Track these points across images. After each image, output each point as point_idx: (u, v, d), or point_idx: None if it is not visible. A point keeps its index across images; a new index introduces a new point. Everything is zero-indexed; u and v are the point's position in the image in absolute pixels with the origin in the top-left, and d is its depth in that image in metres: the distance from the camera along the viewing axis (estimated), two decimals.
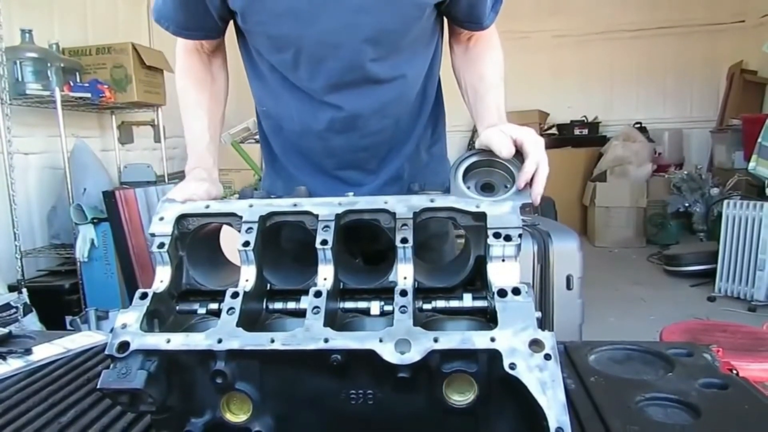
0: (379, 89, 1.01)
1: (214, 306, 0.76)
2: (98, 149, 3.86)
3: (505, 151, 0.81)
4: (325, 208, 0.77)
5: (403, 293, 0.68)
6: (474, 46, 1.10)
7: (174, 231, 0.78)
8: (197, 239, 0.81)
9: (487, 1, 1.02)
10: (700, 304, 3.94)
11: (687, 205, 5.14)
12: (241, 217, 0.77)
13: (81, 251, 3.15)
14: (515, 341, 0.61)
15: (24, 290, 2.96)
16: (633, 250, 5.49)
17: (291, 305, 0.77)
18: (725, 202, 4.14)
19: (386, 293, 0.73)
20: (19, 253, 3.10)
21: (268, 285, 0.79)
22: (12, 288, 3.00)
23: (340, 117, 1.02)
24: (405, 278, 0.72)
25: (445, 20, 1.10)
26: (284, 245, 0.95)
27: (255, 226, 0.76)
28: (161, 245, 0.76)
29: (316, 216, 0.76)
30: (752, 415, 0.74)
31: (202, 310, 0.77)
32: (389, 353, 0.60)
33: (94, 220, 3.15)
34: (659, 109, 6.52)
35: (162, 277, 0.76)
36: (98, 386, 0.63)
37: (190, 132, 1.03)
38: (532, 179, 0.80)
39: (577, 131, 6.38)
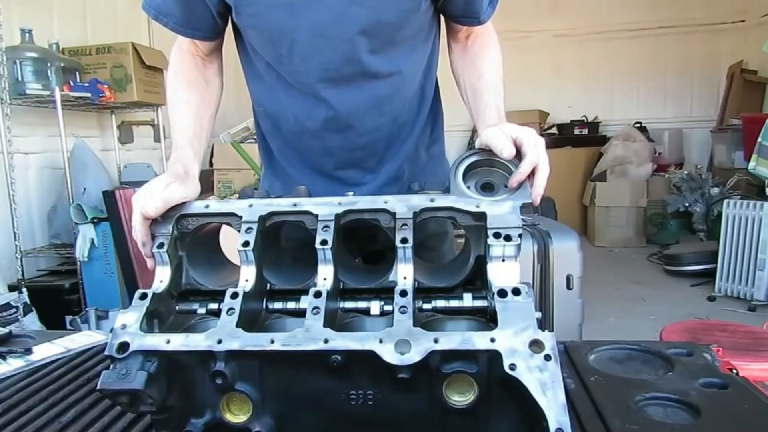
0: (374, 84, 1.00)
1: (213, 306, 0.76)
2: (98, 149, 3.86)
3: (506, 152, 0.81)
4: (325, 207, 0.77)
5: (403, 293, 0.68)
6: (472, 44, 1.09)
7: (174, 231, 0.78)
8: (197, 239, 0.81)
9: None
10: (700, 304, 3.94)
11: (687, 204, 5.13)
12: (240, 217, 0.77)
13: (81, 251, 3.15)
14: (515, 342, 0.61)
15: (24, 290, 2.96)
16: (633, 250, 5.50)
17: (291, 305, 0.77)
18: (725, 201, 4.14)
19: (386, 293, 0.73)
20: (19, 253, 3.10)
21: (268, 285, 0.79)
22: (12, 288, 3.00)
23: (335, 114, 1.01)
24: (405, 278, 0.72)
25: (443, 19, 1.10)
26: (284, 245, 0.95)
27: (255, 226, 0.76)
28: (161, 245, 0.76)
29: (316, 216, 0.76)
30: (752, 415, 0.74)
31: (201, 310, 0.77)
32: (389, 354, 0.60)
33: (94, 220, 3.15)
34: (659, 109, 6.52)
35: (162, 277, 0.75)
36: (98, 387, 0.63)
37: (175, 128, 1.00)
38: (532, 179, 0.80)
39: (577, 131, 6.37)
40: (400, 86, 1.04)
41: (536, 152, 0.80)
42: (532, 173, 0.80)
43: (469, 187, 0.79)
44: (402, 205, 0.76)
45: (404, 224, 0.74)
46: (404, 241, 0.73)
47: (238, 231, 0.76)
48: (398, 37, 0.98)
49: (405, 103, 1.07)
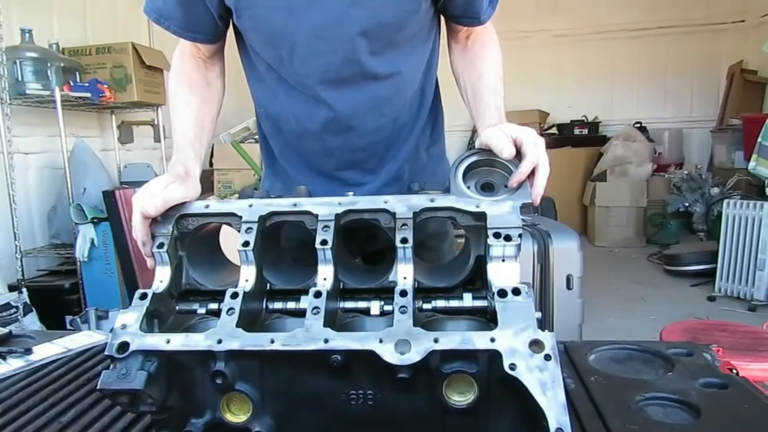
0: (374, 86, 1.00)
1: (213, 306, 0.76)
2: (98, 149, 3.86)
3: (506, 152, 0.81)
4: (325, 207, 0.77)
5: (403, 293, 0.68)
6: (472, 44, 1.09)
7: (174, 231, 0.78)
8: (197, 239, 0.81)
9: None
10: (700, 304, 3.94)
11: (687, 204, 5.13)
12: (240, 217, 0.77)
13: (81, 251, 3.15)
14: (515, 342, 0.61)
15: (24, 290, 2.96)
16: (633, 250, 5.50)
17: (291, 305, 0.77)
18: (725, 201, 4.14)
19: (386, 293, 0.73)
20: (19, 253, 3.10)
21: (268, 285, 0.79)
22: (12, 288, 3.00)
23: (335, 116, 1.01)
24: (405, 278, 0.72)
25: (443, 19, 1.10)
26: (284, 245, 0.95)
27: (255, 226, 0.76)
28: (161, 245, 0.76)
29: (316, 216, 0.76)
30: (752, 415, 0.74)
31: (201, 310, 0.77)
32: (389, 354, 0.60)
33: (94, 220, 3.15)
34: (659, 109, 6.52)
35: (162, 277, 0.75)
36: (98, 387, 0.63)
37: (177, 129, 1.00)
38: (532, 179, 0.80)
39: (577, 131, 6.38)
40: (400, 87, 1.04)
41: (536, 152, 0.80)
42: (532, 173, 0.80)
43: (469, 187, 0.79)
44: (402, 205, 0.76)
45: (404, 224, 0.74)
46: (404, 241, 0.73)
47: (238, 231, 0.76)
48: (398, 38, 0.98)
49: (405, 103, 1.07)
